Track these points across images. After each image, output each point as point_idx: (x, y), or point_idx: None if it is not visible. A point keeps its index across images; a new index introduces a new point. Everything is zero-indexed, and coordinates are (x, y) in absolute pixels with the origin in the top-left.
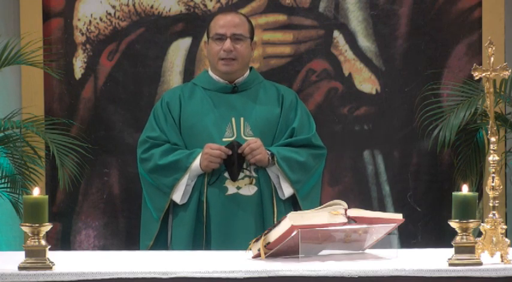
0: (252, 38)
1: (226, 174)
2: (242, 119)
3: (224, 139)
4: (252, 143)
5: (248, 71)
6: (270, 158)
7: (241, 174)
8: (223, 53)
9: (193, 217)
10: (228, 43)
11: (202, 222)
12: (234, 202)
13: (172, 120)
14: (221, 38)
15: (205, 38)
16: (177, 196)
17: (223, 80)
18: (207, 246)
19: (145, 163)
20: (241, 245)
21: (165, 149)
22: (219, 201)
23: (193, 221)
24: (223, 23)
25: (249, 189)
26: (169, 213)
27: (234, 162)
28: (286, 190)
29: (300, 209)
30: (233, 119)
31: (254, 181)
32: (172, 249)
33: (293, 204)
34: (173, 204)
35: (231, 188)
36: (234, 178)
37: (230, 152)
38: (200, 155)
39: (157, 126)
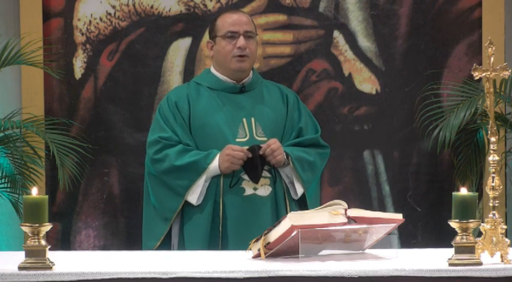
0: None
1: (244, 176)
2: (253, 119)
3: (237, 140)
4: (273, 144)
5: (251, 71)
6: (285, 158)
7: None
8: (237, 50)
9: (208, 218)
10: (242, 40)
11: (218, 223)
12: (251, 203)
13: (181, 120)
14: (234, 35)
15: (207, 38)
16: (193, 198)
17: (231, 79)
18: (224, 248)
19: (159, 164)
20: None
21: (180, 150)
22: (237, 202)
23: (209, 223)
24: (234, 21)
25: (265, 190)
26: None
27: (257, 165)
28: (299, 190)
29: (307, 208)
30: (244, 120)
31: (269, 181)
32: (186, 249)
33: (299, 203)
34: (183, 205)
35: (248, 189)
36: (257, 181)
37: (251, 155)
38: (218, 156)
39: (167, 127)
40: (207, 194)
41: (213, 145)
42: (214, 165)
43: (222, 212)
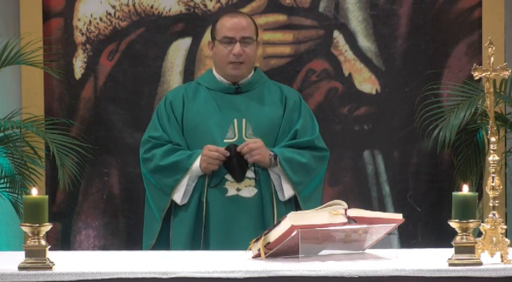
0: (257, 37)
1: (227, 176)
2: (244, 120)
3: (226, 140)
4: (251, 144)
5: (253, 71)
6: (272, 158)
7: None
8: (232, 56)
9: (193, 217)
10: (237, 47)
11: (201, 222)
12: (234, 204)
13: (175, 120)
14: (230, 41)
15: (208, 38)
16: (178, 196)
17: (227, 80)
18: (205, 247)
19: (148, 163)
20: (241, 246)
21: (167, 150)
22: (219, 202)
23: (193, 222)
24: (231, 25)
25: (249, 191)
26: (171, 213)
27: (234, 165)
28: (287, 192)
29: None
30: (235, 121)
31: (254, 183)
32: (172, 248)
33: (296, 206)
34: (174, 204)
35: (231, 190)
36: (237, 180)
37: (228, 154)
38: (200, 156)
39: (160, 126)
40: (193, 193)
41: (202, 145)
42: (196, 165)
43: (206, 211)
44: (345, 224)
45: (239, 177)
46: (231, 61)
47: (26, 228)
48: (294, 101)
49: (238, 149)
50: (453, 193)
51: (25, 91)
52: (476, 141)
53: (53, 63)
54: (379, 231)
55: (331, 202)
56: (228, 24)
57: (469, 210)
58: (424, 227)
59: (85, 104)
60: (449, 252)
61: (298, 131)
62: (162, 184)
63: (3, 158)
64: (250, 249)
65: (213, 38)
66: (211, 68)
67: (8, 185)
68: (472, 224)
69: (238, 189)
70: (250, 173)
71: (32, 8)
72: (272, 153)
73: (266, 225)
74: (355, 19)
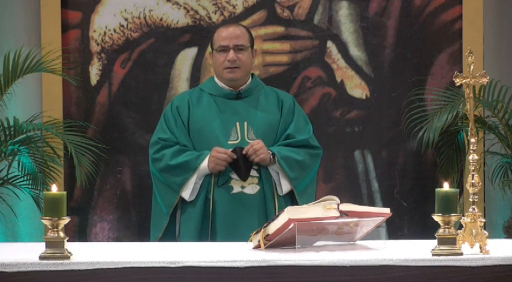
0: (252, 46)
1: (232, 175)
2: (246, 123)
3: (230, 142)
4: (255, 145)
5: (250, 78)
6: (271, 157)
7: None
8: (227, 62)
9: (200, 213)
10: (231, 54)
11: (208, 218)
12: (239, 200)
13: (181, 123)
14: (225, 49)
15: (209, 49)
16: (186, 194)
17: (228, 87)
18: (212, 240)
19: (157, 163)
20: (245, 238)
21: (176, 150)
22: (225, 199)
23: (201, 217)
24: (226, 35)
25: (252, 189)
26: (178, 209)
27: (240, 165)
28: (284, 187)
29: (298, 204)
30: (237, 124)
31: (257, 181)
32: (180, 241)
33: (291, 199)
34: (182, 200)
35: (236, 187)
36: (243, 179)
37: (235, 156)
38: (208, 157)
39: (168, 129)
40: (200, 190)
41: (208, 146)
42: (204, 165)
43: (212, 207)
44: (337, 217)
45: (245, 177)
46: (226, 66)
47: (46, 222)
48: (289, 104)
49: (244, 151)
50: (436, 189)
51: (45, 96)
52: (457, 142)
53: (71, 71)
54: (369, 224)
55: (324, 197)
56: (223, 34)
57: (451, 205)
58: (410, 220)
59: (100, 108)
60: (432, 243)
61: (289, 136)
62: (171, 182)
63: (25, 157)
64: (251, 241)
65: (212, 49)
66: (213, 75)
67: (30, 182)
68: (454, 217)
69: (242, 187)
70: (253, 172)
71: (52, 21)
72: (270, 152)
73: (268, 219)
74: (347, 30)
